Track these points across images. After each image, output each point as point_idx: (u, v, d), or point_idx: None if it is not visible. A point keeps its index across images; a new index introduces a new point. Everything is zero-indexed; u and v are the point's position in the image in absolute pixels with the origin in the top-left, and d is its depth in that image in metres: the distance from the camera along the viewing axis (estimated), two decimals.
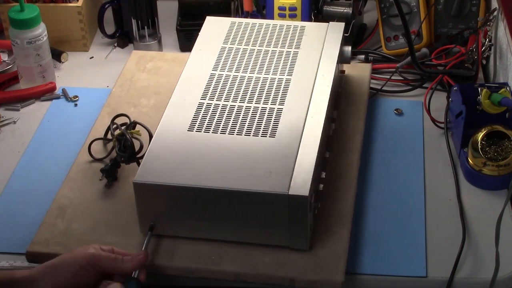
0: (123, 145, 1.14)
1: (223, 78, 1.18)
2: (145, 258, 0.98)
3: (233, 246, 1.03)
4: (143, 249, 1.00)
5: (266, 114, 1.10)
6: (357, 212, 1.12)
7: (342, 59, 1.28)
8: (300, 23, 1.31)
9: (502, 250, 1.03)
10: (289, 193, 0.97)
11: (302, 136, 1.06)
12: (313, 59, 1.21)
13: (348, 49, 1.28)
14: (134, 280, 0.95)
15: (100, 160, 1.19)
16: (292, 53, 1.23)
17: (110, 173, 1.15)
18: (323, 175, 1.10)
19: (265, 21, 1.32)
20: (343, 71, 1.33)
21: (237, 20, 1.33)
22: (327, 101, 1.12)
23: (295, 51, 1.23)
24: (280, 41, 1.26)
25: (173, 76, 1.35)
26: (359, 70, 1.37)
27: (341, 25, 1.30)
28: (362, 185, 1.17)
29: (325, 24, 1.30)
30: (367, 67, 1.38)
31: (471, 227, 1.10)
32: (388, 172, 1.20)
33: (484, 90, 1.18)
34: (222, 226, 1.02)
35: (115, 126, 1.19)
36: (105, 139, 1.23)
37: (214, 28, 1.31)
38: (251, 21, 1.32)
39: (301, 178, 0.99)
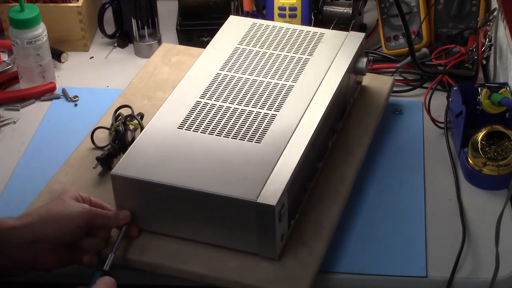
0: (118, 136, 1.16)
1: (227, 79, 1.17)
2: (129, 217, 1.03)
3: (204, 247, 1.02)
4: (116, 243, 1.01)
5: (258, 119, 1.08)
6: (357, 212, 1.12)
7: (357, 70, 1.25)
8: (320, 30, 1.28)
9: (502, 250, 1.03)
10: (257, 201, 0.95)
11: (288, 144, 1.04)
12: (322, 68, 1.19)
13: (364, 60, 1.25)
14: (101, 270, 0.96)
15: (101, 148, 1.20)
16: (303, 59, 1.21)
17: (105, 162, 1.15)
18: (310, 186, 1.09)
19: (285, 25, 1.30)
20: (359, 82, 1.30)
21: (259, 21, 1.31)
22: (323, 111, 1.10)
23: (307, 58, 1.21)
24: (295, 46, 1.24)
25: None
26: (379, 82, 1.33)
27: (361, 35, 1.27)
28: (362, 184, 1.17)
29: (345, 32, 1.27)
30: (389, 80, 1.33)
31: (471, 227, 1.10)
32: (388, 172, 1.20)
33: (484, 90, 1.18)
34: (194, 226, 1.02)
35: (119, 117, 1.21)
36: (108, 128, 1.23)
37: (234, 28, 1.30)
38: (271, 23, 1.31)
39: (274, 187, 0.97)
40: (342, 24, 1.45)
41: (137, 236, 1.04)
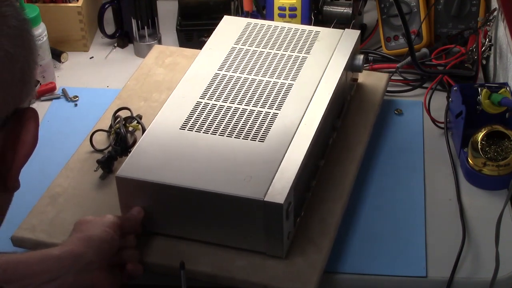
0: (119, 138, 1.16)
1: (226, 79, 1.17)
2: (142, 210, 1.02)
3: (210, 247, 1.02)
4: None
5: (260, 118, 1.08)
6: (357, 212, 1.12)
7: (353, 67, 1.26)
8: (315, 28, 1.29)
9: (502, 250, 1.03)
10: (264, 200, 0.95)
11: (291, 143, 1.04)
12: (320, 66, 1.19)
13: (361, 57, 1.25)
14: None
15: (100, 151, 1.20)
16: (300, 58, 1.21)
17: (106, 165, 1.15)
18: (313, 183, 1.09)
19: (280, 24, 1.30)
20: (355, 79, 1.31)
21: (253, 21, 1.31)
22: (324, 109, 1.10)
23: (304, 56, 1.21)
24: (292, 45, 1.24)
25: None
26: (375, 79, 1.33)
27: (356, 32, 1.28)
28: (362, 185, 1.17)
29: (341, 30, 1.28)
30: (384, 77, 1.34)
31: (471, 227, 1.10)
32: (388, 172, 1.20)
33: (484, 90, 1.18)
34: (200, 226, 1.02)
35: (118, 119, 1.20)
36: (108, 131, 1.23)
37: (229, 28, 1.30)
38: (267, 22, 1.31)
39: (280, 185, 0.97)
40: (342, 24, 1.45)
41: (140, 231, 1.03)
